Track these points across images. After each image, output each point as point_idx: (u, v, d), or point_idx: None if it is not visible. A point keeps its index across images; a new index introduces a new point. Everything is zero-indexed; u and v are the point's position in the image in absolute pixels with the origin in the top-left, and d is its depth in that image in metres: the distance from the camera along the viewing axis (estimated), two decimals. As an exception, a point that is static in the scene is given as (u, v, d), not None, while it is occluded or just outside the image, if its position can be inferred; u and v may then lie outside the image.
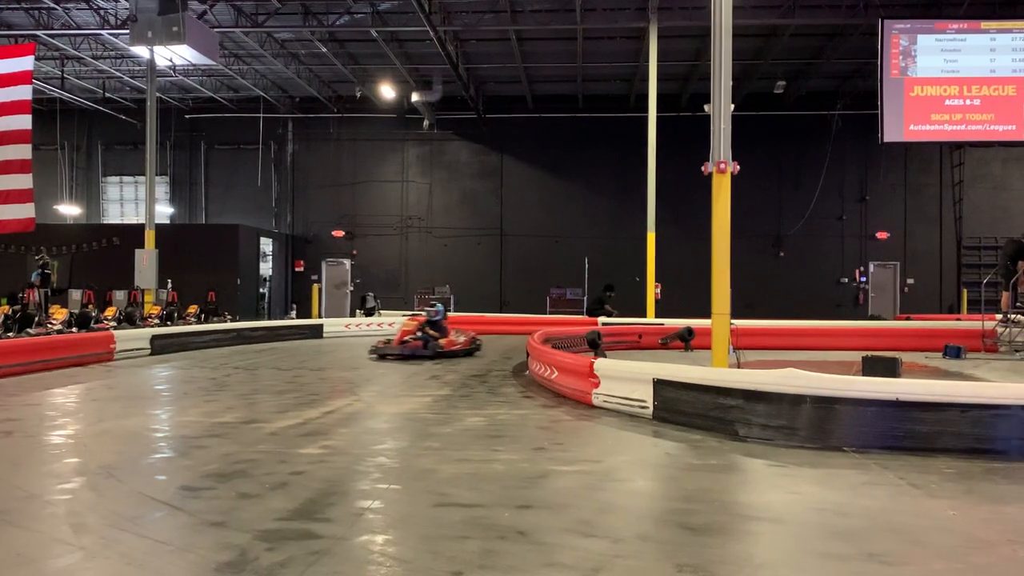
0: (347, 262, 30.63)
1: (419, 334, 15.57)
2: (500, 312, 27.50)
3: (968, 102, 20.37)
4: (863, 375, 10.13)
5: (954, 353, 15.08)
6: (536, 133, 29.62)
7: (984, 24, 20.39)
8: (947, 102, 20.41)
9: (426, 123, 29.30)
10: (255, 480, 5.68)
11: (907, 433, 6.63)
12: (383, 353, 15.40)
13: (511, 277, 29.77)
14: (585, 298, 27.68)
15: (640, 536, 4.57)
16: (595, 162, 29.06)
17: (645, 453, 7.00)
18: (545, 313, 27.01)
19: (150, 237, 21.37)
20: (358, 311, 27.13)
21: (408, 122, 30.11)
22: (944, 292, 28.48)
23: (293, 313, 29.82)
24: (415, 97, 27.26)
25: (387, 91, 27.37)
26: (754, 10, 20.03)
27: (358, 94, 28.58)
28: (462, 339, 16.34)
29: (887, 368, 10.83)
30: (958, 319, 22.95)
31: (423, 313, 16.45)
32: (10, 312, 17.62)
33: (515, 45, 23.69)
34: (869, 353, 12.11)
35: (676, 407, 7.95)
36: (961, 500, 5.38)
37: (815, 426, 6.87)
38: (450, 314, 26.32)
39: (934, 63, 20.28)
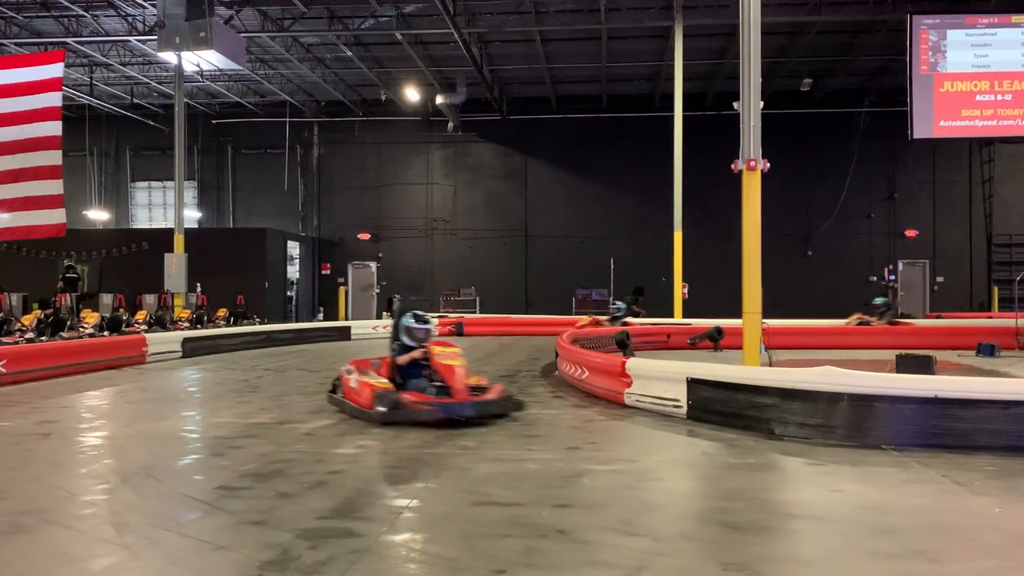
0: (373, 264, 30.74)
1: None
2: (526, 314, 27.47)
3: (999, 97, 20.12)
4: (897, 373, 10.03)
5: (988, 351, 14.89)
6: (560, 134, 29.58)
7: (1015, 18, 20.14)
8: (978, 97, 20.17)
9: (450, 125, 29.33)
10: (293, 479, 5.69)
11: (947, 430, 6.55)
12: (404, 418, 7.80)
13: (536, 278, 29.74)
14: (611, 299, 27.59)
15: (682, 535, 4.54)
16: (620, 162, 28.98)
17: (681, 452, 6.96)
18: (571, 314, 26.94)
19: (179, 241, 21.53)
20: (385, 313, 27.22)
21: (432, 124, 30.17)
22: (974, 290, 28.16)
23: (320, 316, 29.96)
24: (439, 99, 27.31)
25: (411, 94, 27.44)
26: (780, 7, 19.88)
27: (383, 97, 28.67)
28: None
29: (921, 366, 10.72)
30: (990, 317, 22.68)
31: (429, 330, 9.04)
32: (43, 316, 17.82)
33: (539, 46, 23.68)
34: (902, 351, 12.00)
35: (710, 406, 7.89)
36: (1006, 497, 5.30)
37: (853, 424, 6.80)
38: (476, 315, 26.44)
39: (964, 58, 20.06)
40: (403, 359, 8.48)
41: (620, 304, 18.33)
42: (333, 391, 9.01)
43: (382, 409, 7.72)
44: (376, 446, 6.99)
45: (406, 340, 8.54)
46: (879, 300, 19.18)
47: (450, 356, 8.35)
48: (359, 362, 9.11)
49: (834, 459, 6.31)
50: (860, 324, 18.58)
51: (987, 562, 4.11)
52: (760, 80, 10.34)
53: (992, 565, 4.09)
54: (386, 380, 8.36)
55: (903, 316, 18.90)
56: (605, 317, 18.13)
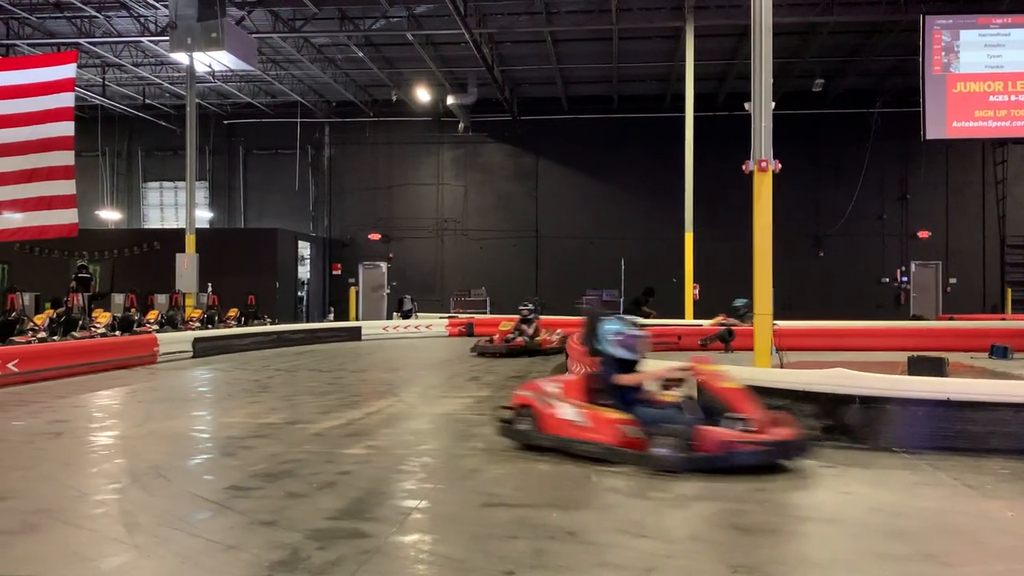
0: (383, 265, 30.77)
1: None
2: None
3: (1013, 98, 19.94)
4: (909, 375, 9.97)
5: (1001, 353, 14.78)
6: (571, 134, 29.54)
7: (1029, 18, 20.00)
8: (991, 98, 20.00)
9: (461, 126, 29.34)
10: (303, 480, 5.71)
11: (958, 433, 6.52)
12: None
13: (547, 279, 29.70)
14: (622, 300, 27.57)
15: (691, 536, 4.53)
16: (631, 163, 28.92)
17: (691, 453, 6.92)
18: (581, 315, 26.89)
19: (190, 241, 21.59)
20: (395, 314, 27.26)
21: (443, 125, 30.17)
22: (988, 291, 27.99)
23: (331, 316, 30.00)
24: (450, 100, 27.31)
25: (422, 94, 27.45)
26: (792, 7, 19.82)
27: (394, 98, 28.68)
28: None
29: (933, 368, 10.64)
30: (1003, 319, 22.55)
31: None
32: (55, 316, 17.90)
33: (550, 46, 23.66)
34: (914, 353, 11.93)
35: (721, 408, 7.85)
36: (1018, 501, 5.27)
37: (864, 426, 6.77)
38: (486, 316, 26.43)
39: (977, 58, 19.91)
40: (633, 378, 6.55)
41: (531, 305, 17.99)
42: (509, 423, 6.91)
43: (664, 452, 5.86)
44: (386, 447, 7.00)
45: (619, 352, 6.61)
46: (740, 302, 18.96)
47: (725, 376, 6.39)
48: (532, 384, 7.14)
49: (845, 461, 6.27)
50: (722, 326, 18.17)
51: (999, 566, 4.09)
52: (772, 81, 10.30)
53: (1004, 568, 4.06)
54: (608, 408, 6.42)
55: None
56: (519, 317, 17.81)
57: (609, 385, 6.52)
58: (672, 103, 27.02)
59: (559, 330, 17.97)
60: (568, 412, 6.50)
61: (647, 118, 28.46)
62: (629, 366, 6.61)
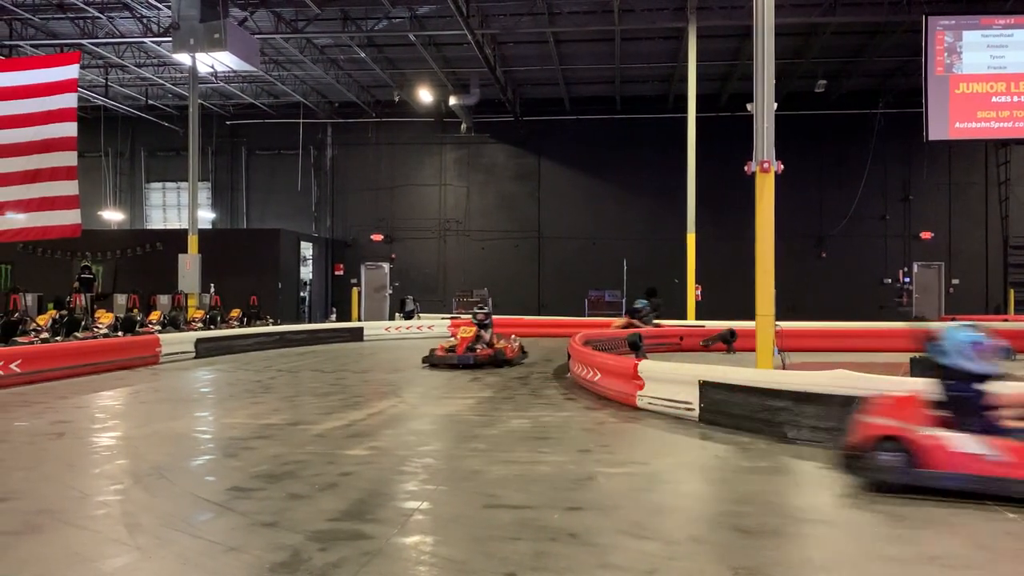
0: (386, 265, 30.76)
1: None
2: (538, 315, 27.44)
3: (1016, 99, 19.94)
4: (911, 376, 9.95)
5: (1003, 354, 14.75)
6: (573, 135, 29.55)
7: (1032, 19, 19.98)
8: (994, 99, 20.00)
9: (464, 126, 29.33)
10: (304, 481, 5.70)
11: (962, 435, 6.47)
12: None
13: (549, 279, 29.72)
14: (624, 300, 27.55)
15: (693, 538, 4.53)
16: (633, 163, 28.91)
17: (693, 455, 6.93)
18: (584, 315, 26.93)
19: (193, 242, 21.61)
20: (397, 314, 27.26)
21: (446, 126, 30.18)
22: (990, 292, 27.96)
23: (333, 316, 30.00)
24: (453, 100, 27.32)
25: (425, 95, 27.45)
26: (795, 8, 19.80)
27: (396, 98, 28.68)
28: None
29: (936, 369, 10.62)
30: (1005, 319, 22.51)
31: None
32: (57, 316, 17.92)
33: (553, 47, 23.66)
34: (917, 354, 11.92)
35: (723, 409, 7.86)
36: (1021, 502, 5.25)
37: (867, 428, 6.73)
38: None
39: (980, 59, 19.91)
40: (1016, 397, 5.70)
41: (487, 309, 16.64)
42: (856, 457, 5.52)
43: None
44: (388, 448, 6.99)
45: (978, 367, 5.58)
46: (640, 303, 18.93)
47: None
48: (882, 408, 5.76)
49: (847, 463, 6.25)
50: (629, 327, 17.81)
51: (1003, 568, 4.08)
52: (774, 81, 10.30)
53: (1008, 571, 4.06)
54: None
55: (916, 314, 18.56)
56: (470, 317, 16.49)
57: (976, 406, 5.50)
58: (675, 104, 27.03)
59: (513, 335, 16.21)
60: (971, 444, 5.29)
61: (649, 119, 28.47)
62: (983, 381, 5.57)
